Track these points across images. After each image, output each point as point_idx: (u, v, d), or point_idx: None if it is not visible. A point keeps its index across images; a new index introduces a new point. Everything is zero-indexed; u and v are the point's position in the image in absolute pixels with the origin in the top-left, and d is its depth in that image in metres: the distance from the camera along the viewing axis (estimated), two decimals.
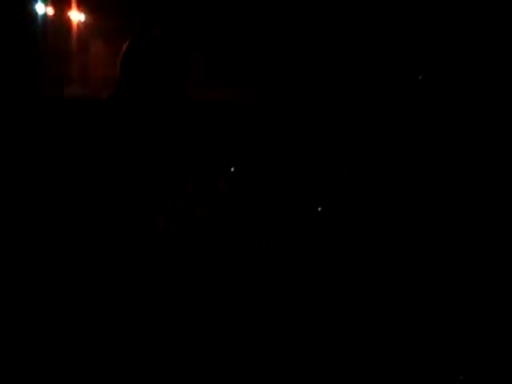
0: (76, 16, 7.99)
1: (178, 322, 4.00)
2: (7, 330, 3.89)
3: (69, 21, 7.95)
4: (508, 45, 5.08)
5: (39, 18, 7.61)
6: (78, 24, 7.98)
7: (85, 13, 8.00)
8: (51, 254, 4.53)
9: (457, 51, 5.34)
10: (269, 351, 3.93)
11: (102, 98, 3.18)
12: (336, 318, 4.26)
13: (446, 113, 5.28)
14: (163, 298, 3.29)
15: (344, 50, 5.94)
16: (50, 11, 7.80)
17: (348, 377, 3.74)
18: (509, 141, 4.93)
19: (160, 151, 3.13)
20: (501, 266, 4.37)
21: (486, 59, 5.18)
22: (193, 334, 3.99)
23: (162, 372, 3.45)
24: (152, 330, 3.20)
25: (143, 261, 3.11)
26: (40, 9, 7.64)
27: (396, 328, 4.11)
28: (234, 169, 5.22)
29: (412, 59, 5.59)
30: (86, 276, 3.28)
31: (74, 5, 7.93)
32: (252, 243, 5.02)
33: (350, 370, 3.78)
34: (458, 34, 5.33)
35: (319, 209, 5.19)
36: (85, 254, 3.27)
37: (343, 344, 4.01)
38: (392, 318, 4.20)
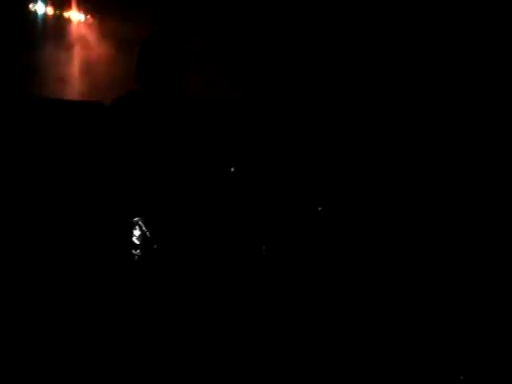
0: (76, 16, 8.00)
1: (177, 322, 4.00)
2: (9, 330, 3.89)
3: (69, 21, 7.95)
4: (508, 45, 5.09)
5: (39, 17, 7.61)
6: (77, 24, 7.98)
7: (85, 13, 8.00)
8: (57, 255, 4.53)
9: (457, 51, 5.34)
10: (269, 351, 3.93)
11: (116, 98, 3.13)
12: (336, 318, 4.26)
13: (446, 113, 5.28)
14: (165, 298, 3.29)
15: (344, 49, 5.94)
16: (50, 11, 7.81)
17: (348, 377, 3.74)
18: (509, 141, 4.93)
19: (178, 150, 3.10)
20: (501, 266, 4.37)
21: (486, 59, 5.19)
22: (192, 334, 3.99)
23: (161, 372, 3.45)
24: (153, 330, 3.20)
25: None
26: (40, 9, 7.64)
27: (396, 328, 4.10)
28: (234, 169, 5.22)
29: (412, 59, 5.59)
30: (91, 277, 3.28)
31: (73, 5, 7.94)
32: (251, 243, 5.02)
33: (349, 370, 3.77)
34: (458, 34, 5.34)
35: (319, 209, 5.19)
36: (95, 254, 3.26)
37: (343, 344, 4.00)
38: (392, 318, 4.20)
